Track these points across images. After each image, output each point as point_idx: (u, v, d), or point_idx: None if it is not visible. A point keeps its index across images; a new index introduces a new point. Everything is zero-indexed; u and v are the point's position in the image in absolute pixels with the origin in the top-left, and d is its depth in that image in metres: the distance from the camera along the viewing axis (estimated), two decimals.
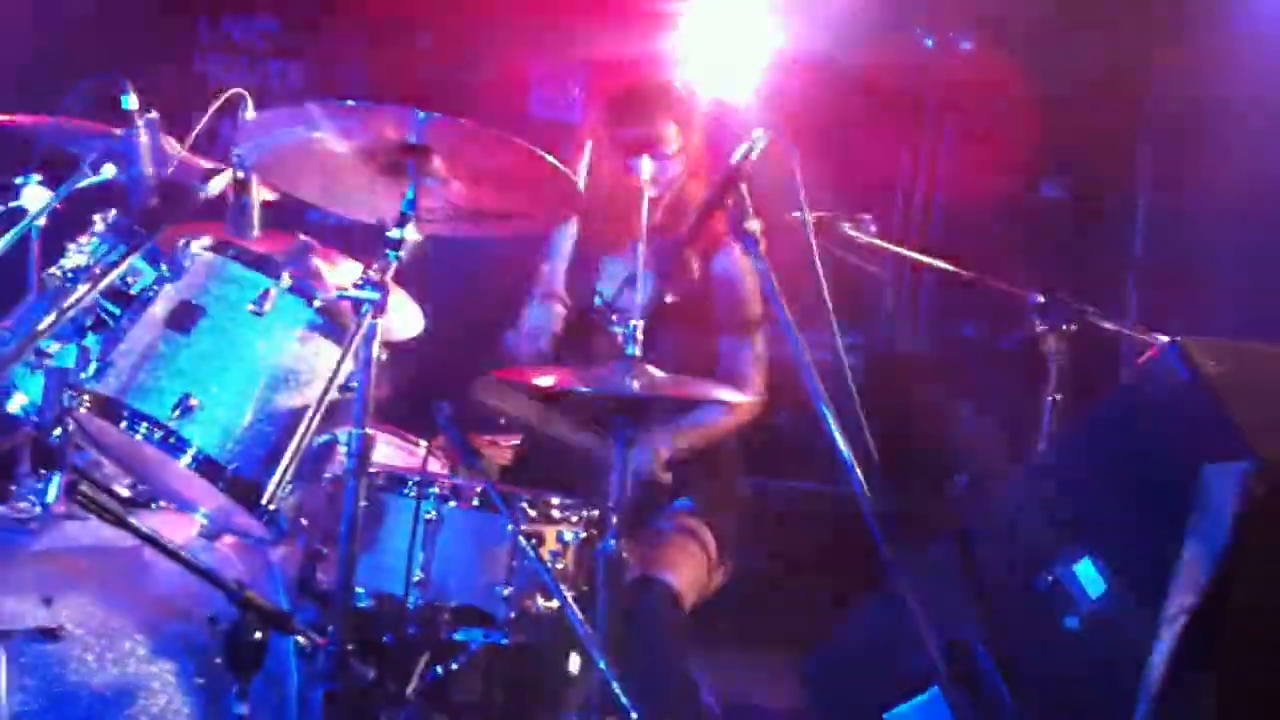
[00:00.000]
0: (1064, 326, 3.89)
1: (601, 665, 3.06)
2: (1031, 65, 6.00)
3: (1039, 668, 2.84)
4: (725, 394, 3.67)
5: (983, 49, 6.45)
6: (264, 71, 6.46)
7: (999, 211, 6.06)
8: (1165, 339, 2.87)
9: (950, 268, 4.23)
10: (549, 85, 6.11)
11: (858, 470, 3.01)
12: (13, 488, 3.38)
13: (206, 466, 3.03)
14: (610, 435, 3.26)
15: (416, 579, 3.22)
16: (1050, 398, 3.86)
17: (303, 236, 3.56)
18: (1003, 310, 4.10)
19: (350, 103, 2.97)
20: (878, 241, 4.21)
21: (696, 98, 4.10)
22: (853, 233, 4.18)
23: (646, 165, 3.70)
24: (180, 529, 3.44)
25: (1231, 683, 2.59)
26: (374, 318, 2.84)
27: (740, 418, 3.99)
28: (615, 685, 3.03)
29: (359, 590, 3.17)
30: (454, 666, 3.40)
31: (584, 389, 3.36)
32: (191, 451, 3.03)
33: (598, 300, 4.06)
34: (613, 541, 3.22)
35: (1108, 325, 3.91)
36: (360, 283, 2.87)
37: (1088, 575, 2.80)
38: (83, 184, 3.62)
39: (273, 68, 6.46)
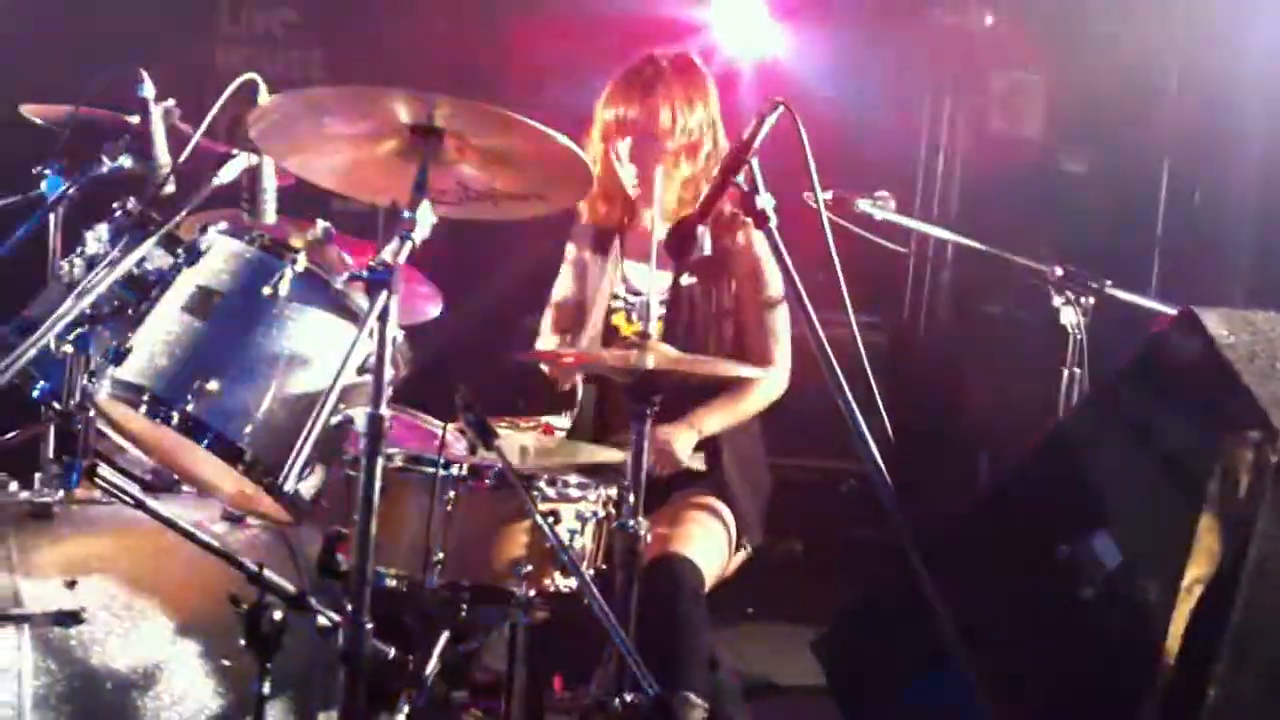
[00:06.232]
0: (1083, 300, 3.88)
1: (620, 643, 3.06)
2: (1051, 39, 5.98)
3: (1055, 639, 2.84)
4: (747, 371, 3.66)
5: (1003, 23, 6.42)
6: (285, 61, 6.50)
7: (1019, 186, 6.04)
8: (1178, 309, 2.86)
9: (970, 243, 4.22)
10: (567, 68, 6.10)
11: (874, 448, 3.00)
12: (36, 473, 3.42)
13: (226, 450, 3.05)
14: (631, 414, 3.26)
15: (435, 558, 3.23)
16: (1069, 370, 3.86)
17: (322, 222, 3.58)
18: (1023, 285, 4.09)
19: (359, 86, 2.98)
20: (896, 218, 4.20)
21: (702, 76, 4.01)
22: (871, 210, 4.17)
23: (624, 147, 3.71)
24: (203, 512, 3.47)
25: (1246, 653, 2.58)
26: (388, 299, 2.84)
27: (768, 396, 3.98)
28: (634, 663, 3.03)
29: (378, 570, 3.19)
30: (473, 646, 3.42)
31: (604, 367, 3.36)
32: (211, 435, 3.05)
33: (619, 288, 4.05)
34: (631, 519, 3.23)
35: (1126, 297, 3.90)
36: (374, 265, 2.87)
37: (1104, 546, 2.79)
38: (101, 173, 3.66)
39: (293, 57, 6.50)
